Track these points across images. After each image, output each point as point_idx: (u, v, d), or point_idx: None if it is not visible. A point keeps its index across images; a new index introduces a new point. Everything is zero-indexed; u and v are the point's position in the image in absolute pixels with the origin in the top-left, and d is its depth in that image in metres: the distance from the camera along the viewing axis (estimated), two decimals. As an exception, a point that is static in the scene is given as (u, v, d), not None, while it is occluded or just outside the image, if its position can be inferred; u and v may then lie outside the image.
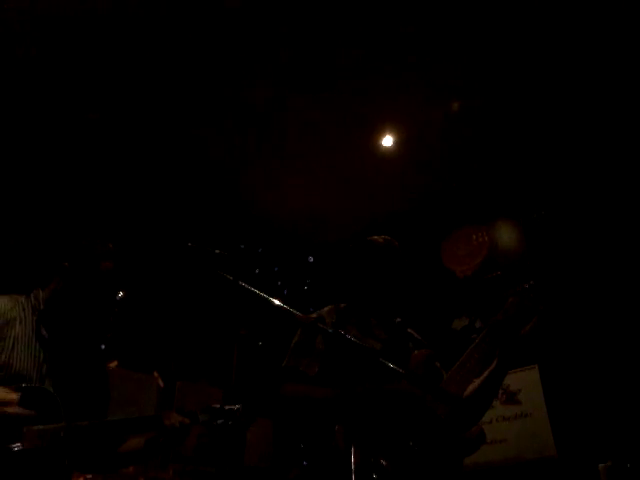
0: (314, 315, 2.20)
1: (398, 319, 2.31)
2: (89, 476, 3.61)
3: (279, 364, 2.15)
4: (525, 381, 4.15)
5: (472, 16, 3.57)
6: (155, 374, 4.43)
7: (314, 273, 5.99)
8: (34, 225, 4.14)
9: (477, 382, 2.05)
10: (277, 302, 1.71)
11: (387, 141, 4.60)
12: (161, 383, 4.36)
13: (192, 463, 4.28)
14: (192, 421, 1.95)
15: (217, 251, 1.77)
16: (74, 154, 4.45)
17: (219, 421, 1.97)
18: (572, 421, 3.84)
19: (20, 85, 3.95)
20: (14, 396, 1.74)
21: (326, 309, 2.25)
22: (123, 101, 4.17)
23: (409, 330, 2.32)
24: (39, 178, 4.34)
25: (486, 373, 2.06)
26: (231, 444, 4.19)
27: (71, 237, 2.12)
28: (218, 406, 2.00)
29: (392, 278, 2.25)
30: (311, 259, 6.02)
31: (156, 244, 4.55)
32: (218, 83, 4.07)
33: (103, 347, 4.17)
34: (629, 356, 3.72)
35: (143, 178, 4.80)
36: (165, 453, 2.06)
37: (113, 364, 4.23)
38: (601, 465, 3.30)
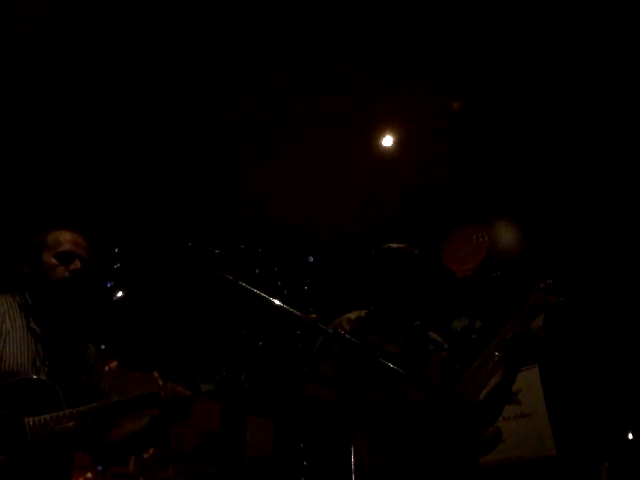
0: (338, 321, 2.27)
1: (417, 323, 2.37)
2: (89, 475, 3.61)
3: (301, 369, 2.20)
4: (525, 381, 4.14)
5: (471, 16, 3.58)
6: (155, 374, 4.43)
7: (314, 273, 5.99)
8: (31, 225, 4.13)
9: (489, 386, 2.08)
10: (277, 302, 1.72)
11: (387, 141, 4.60)
12: (161, 383, 4.36)
13: (192, 463, 4.28)
14: (194, 393, 1.92)
15: (217, 251, 1.77)
16: (73, 155, 4.46)
17: (225, 390, 1.94)
18: (572, 421, 3.84)
19: (18, 85, 3.96)
20: None
21: (346, 316, 2.32)
22: (123, 103, 4.17)
23: (430, 333, 2.39)
24: (37, 179, 4.34)
25: (496, 378, 2.08)
26: (231, 444, 4.19)
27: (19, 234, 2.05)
28: (220, 375, 1.96)
29: (411, 284, 2.31)
30: (311, 259, 6.02)
31: (156, 244, 4.55)
32: (218, 83, 4.07)
33: (103, 347, 4.18)
34: (629, 356, 3.72)
35: (143, 179, 4.81)
36: (168, 426, 2.01)
37: (113, 364, 4.24)
38: (601, 465, 3.30)
